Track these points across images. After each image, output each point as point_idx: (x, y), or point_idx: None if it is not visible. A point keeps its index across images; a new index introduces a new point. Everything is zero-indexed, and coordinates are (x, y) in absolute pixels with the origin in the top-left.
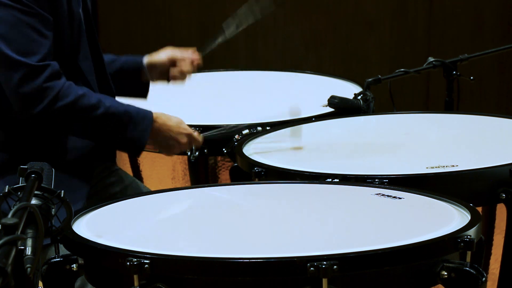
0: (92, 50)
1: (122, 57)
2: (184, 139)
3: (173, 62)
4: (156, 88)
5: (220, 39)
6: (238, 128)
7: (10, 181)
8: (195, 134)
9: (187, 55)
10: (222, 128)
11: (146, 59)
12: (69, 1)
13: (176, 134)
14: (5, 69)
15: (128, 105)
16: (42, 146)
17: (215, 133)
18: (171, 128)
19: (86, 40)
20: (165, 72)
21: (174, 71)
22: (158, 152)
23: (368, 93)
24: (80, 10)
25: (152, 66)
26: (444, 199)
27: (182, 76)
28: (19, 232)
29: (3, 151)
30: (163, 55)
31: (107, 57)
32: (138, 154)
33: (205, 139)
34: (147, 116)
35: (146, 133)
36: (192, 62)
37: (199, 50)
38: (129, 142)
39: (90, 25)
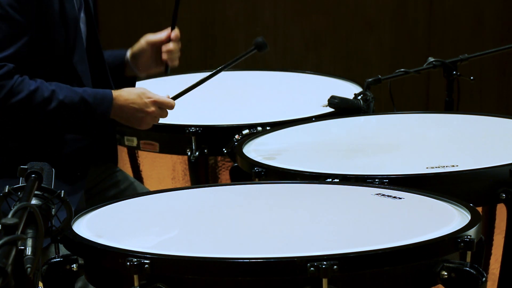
0: (92, 53)
1: (106, 52)
2: (151, 108)
3: (154, 47)
4: (155, 88)
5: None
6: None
7: (6, 184)
8: (162, 98)
9: (163, 34)
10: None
11: (129, 52)
12: (62, 4)
13: (141, 105)
14: None
15: (85, 90)
16: (37, 149)
17: (185, 90)
18: (135, 101)
19: (84, 43)
20: (150, 60)
21: (164, 55)
22: (130, 127)
23: (368, 93)
24: (83, 13)
25: (135, 56)
26: (444, 199)
27: (173, 55)
28: (19, 232)
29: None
30: (141, 41)
31: None
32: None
33: (176, 99)
34: (106, 97)
35: (107, 114)
36: (171, 39)
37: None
38: (91, 126)
39: (92, 28)
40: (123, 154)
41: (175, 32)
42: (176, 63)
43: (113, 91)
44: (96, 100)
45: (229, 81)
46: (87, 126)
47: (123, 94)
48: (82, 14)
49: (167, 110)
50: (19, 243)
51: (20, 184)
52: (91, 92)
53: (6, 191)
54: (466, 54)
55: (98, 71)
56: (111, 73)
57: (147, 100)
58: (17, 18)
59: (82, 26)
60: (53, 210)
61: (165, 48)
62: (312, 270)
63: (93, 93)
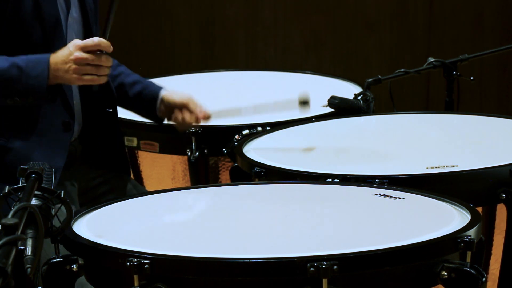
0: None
1: (145, 81)
2: (74, 54)
3: (183, 107)
4: None
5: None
6: None
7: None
8: (86, 41)
9: (198, 109)
10: None
11: (164, 93)
12: (38, 4)
13: (65, 55)
14: None
15: (18, 57)
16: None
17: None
18: (62, 52)
19: (67, 43)
20: (171, 112)
21: (178, 116)
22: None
23: (368, 93)
24: (75, 14)
25: (165, 102)
26: (444, 199)
27: (182, 123)
28: (19, 232)
29: None
30: (179, 97)
31: (134, 77)
32: (42, 99)
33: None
34: (41, 59)
35: (44, 76)
36: (197, 118)
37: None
38: (29, 91)
39: (88, 28)
40: None
41: (208, 116)
42: (181, 130)
43: (51, 55)
44: (29, 63)
45: (229, 81)
46: (24, 92)
47: (58, 54)
48: (74, 14)
49: (106, 62)
50: (19, 243)
51: (20, 184)
52: (24, 57)
53: (6, 191)
54: (466, 54)
55: None
56: (145, 105)
57: (71, 47)
58: None
59: (76, 26)
60: (53, 210)
61: (185, 114)
62: (312, 270)
63: (27, 58)
